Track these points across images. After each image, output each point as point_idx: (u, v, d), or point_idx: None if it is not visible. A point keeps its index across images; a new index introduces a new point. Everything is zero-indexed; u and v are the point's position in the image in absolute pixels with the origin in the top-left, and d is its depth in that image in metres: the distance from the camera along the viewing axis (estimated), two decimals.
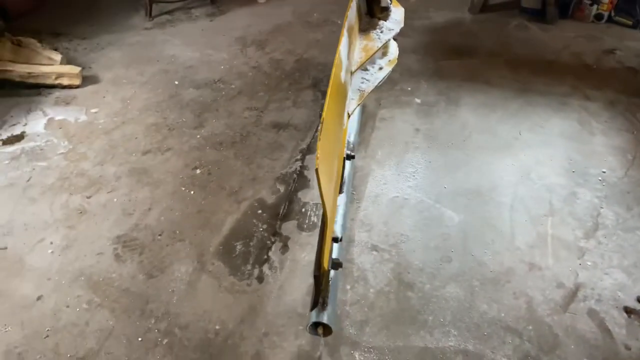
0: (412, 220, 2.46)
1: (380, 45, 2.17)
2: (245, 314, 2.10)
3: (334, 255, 1.79)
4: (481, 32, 3.88)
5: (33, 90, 3.33)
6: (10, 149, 2.89)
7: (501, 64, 3.54)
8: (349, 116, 2.09)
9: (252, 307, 2.12)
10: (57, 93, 3.32)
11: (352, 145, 2.30)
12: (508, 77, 3.42)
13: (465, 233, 2.40)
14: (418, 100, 3.23)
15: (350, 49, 1.97)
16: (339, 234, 1.69)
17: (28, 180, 2.69)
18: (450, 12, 4.12)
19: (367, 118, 3.09)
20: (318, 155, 1.25)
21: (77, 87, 3.36)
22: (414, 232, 2.40)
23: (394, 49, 2.43)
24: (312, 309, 1.60)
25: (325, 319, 1.63)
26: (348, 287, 2.19)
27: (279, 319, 2.04)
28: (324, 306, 1.64)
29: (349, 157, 2.03)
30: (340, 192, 2.05)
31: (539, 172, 2.72)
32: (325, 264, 1.47)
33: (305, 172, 2.72)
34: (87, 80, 3.43)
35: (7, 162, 2.81)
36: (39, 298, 2.15)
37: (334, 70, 1.59)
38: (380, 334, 2.02)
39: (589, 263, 2.26)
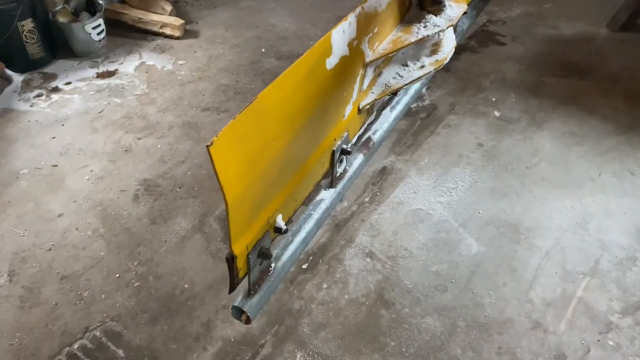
0: (424, 238, 2.24)
1: (413, 40, 1.96)
2: (216, 282, 2.12)
3: (286, 249, 1.71)
4: (611, 52, 3.32)
5: (142, 34, 3.64)
6: (99, 82, 3.21)
7: (618, 93, 3.01)
8: (359, 110, 1.94)
9: (225, 277, 2.12)
10: (159, 41, 3.59)
11: (373, 143, 2.15)
12: (619, 109, 2.90)
13: (477, 267, 2.12)
14: (497, 114, 2.89)
15: (371, 38, 1.81)
16: (282, 225, 1.60)
17: (100, 112, 2.98)
18: (584, 24, 3.59)
19: (431, 121, 2.85)
20: (221, 134, 1.18)
21: (177, 38, 3.59)
22: (420, 250, 2.19)
23: (447, 49, 2.19)
24: (230, 292, 1.55)
25: (246, 307, 1.57)
26: (325, 285, 2.08)
27: None
28: (250, 294, 1.58)
29: (344, 151, 1.90)
30: (332, 186, 1.93)
31: (601, 223, 2.28)
32: (234, 248, 1.40)
33: None
34: (188, 34, 3.65)
35: (92, 93, 3.13)
36: (59, 215, 2.39)
37: (310, 53, 1.48)
38: (333, 342, 1.90)
39: (610, 343, 1.87)
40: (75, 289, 2.09)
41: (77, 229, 2.32)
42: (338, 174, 1.94)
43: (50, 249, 2.24)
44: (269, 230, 1.56)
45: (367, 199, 2.43)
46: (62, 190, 2.51)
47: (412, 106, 2.95)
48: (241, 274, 1.50)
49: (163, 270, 2.15)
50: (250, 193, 1.38)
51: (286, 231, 1.61)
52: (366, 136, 2.16)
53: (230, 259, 1.45)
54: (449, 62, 2.24)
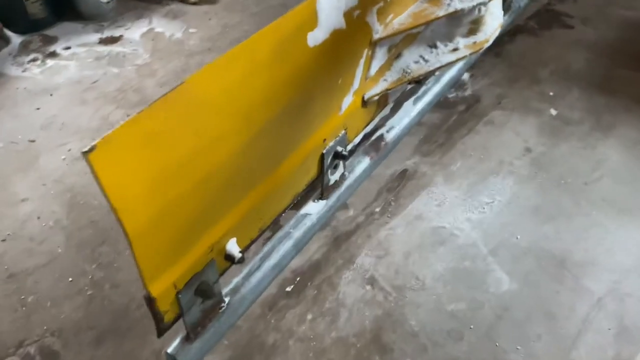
0: (444, 266, 1.79)
1: (442, 14, 1.49)
2: None
3: (248, 279, 1.32)
4: None
5: None
6: (100, 48, 2.89)
7: None
8: (364, 102, 1.50)
9: None
10: (173, 6, 3.23)
11: (386, 144, 1.70)
12: None
13: (505, 310, 1.66)
14: (554, 112, 2.36)
15: (382, 9, 1.36)
16: (235, 253, 1.21)
17: (94, 83, 2.66)
18: None
19: (471, 116, 2.36)
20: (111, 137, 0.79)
21: (193, 3, 3.22)
22: (435, 281, 1.75)
23: (490, 29, 1.69)
24: (158, 337, 1.18)
25: (181, 356, 1.20)
26: (309, 316, 1.68)
27: None
28: (189, 338, 1.20)
29: (338, 155, 1.47)
30: (322, 197, 1.51)
31: None
32: (150, 288, 1.03)
33: None
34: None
35: (90, 60, 2.81)
36: (23, 200, 2.09)
37: (280, 23, 1.06)
38: None
39: None
40: (20, 291, 1.78)
41: (39, 218, 2.01)
42: (331, 183, 1.52)
43: (4, 240, 1.94)
44: (214, 260, 1.17)
45: (378, 209, 1.99)
46: (34, 171, 2.21)
47: (450, 96, 2.46)
48: (169, 317, 1.12)
49: (123, 277, 1.81)
50: (173, 215, 0.98)
51: (241, 260, 1.21)
52: (377, 134, 1.72)
53: (148, 301, 1.07)
54: (500, 44, 1.75)
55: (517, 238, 1.87)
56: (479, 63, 2.62)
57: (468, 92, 2.49)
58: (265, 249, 1.40)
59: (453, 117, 2.36)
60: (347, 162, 1.60)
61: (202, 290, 1.15)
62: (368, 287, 1.74)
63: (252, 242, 1.31)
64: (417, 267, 1.79)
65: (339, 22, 1.21)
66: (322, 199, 1.52)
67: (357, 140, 1.60)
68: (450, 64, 1.61)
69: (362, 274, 1.78)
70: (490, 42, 1.66)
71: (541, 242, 1.85)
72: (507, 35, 2.81)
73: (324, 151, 1.40)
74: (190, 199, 1.00)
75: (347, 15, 1.22)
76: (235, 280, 1.31)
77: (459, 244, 1.86)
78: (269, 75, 1.07)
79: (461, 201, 2.00)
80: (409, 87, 1.80)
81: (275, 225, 1.40)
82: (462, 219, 1.94)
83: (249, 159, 1.11)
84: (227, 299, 1.27)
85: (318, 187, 1.51)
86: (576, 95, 2.44)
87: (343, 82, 1.34)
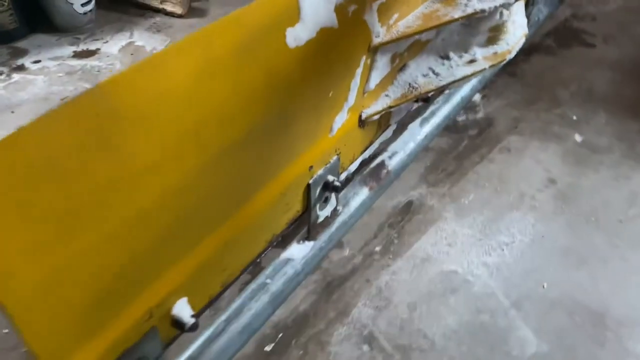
0: (456, 320, 1.48)
1: (458, 16, 1.22)
2: None
3: (210, 346, 1.01)
4: None
5: (140, 11, 3.03)
6: (73, 62, 2.62)
7: None
8: (361, 122, 1.22)
9: None
10: (158, 19, 2.98)
11: (388, 172, 1.41)
12: None
13: None
14: (579, 138, 2.08)
15: (384, 6, 1.09)
16: (186, 318, 0.91)
17: (62, 99, 2.38)
18: None
19: (484, 141, 2.08)
20: None
21: (179, 16, 2.97)
22: (447, 340, 1.44)
23: (514, 39, 1.42)
24: None
25: None
26: None
27: None
28: None
29: (329, 186, 1.18)
30: (309, 238, 1.21)
31: None
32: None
33: None
34: (194, 12, 3.02)
35: (61, 75, 2.54)
36: None
37: (248, 11, 0.78)
38: None
39: None
40: None
41: None
42: (320, 220, 1.22)
43: None
44: (155, 328, 0.86)
45: (378, 248, 1.69)
46: None
47: (460, 118, 2.18)
48: None
49: None
50: (80, 274, 0.68)
51: (194, 327, 0.90)
52: (377, 161, 1.44)
53: None
54: (514, 63, 1.48)
55: (543, 287, 1.56)
56: (491, 83, 2.35)
57: (480, 115, 2.21)
58: (233, 306, 1.10)
59: (463, 143, 2.08)
60: (341, 195, 1.31)
61: None
62: (365, 347, 1.43)
63: (213, 301, 1.00)
64: (425, 322, 1.48)
65: (329, 18, 0.93)
66: (308, 240, 1.22)
67: (352, 167, 1.31)
68: (466, 79, 1.33)
69: (359, 330, 1.47)
70: (513, 53, 1.39)
71: (573, 292, 1.55)
72: (522, 53, 2.54)
73: (311, 181, 1.11)
74: (108, 250, 0.70)
75: (340, 10, 0.94)
76: (189, 352, 1.00)
77: (475, 292, 1.55)
78: (231, 79, 0.78)
79: (476, 241, 1.70)
80: (415, 106, 1.52)
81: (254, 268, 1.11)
82: (478, 262, 1.64)
83: (200, 195, 0.81)
84: None
85: (304, 225, 1.22)
86: (603, 120, 2.16)
87: (335, 95, 1.06)
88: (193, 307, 0.91)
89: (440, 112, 1.61)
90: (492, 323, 1.47)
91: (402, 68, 1.33)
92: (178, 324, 0.90)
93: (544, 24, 2.61)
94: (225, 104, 0.79)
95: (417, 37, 1.25)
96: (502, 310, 1.50)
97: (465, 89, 1.71)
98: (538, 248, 1.67)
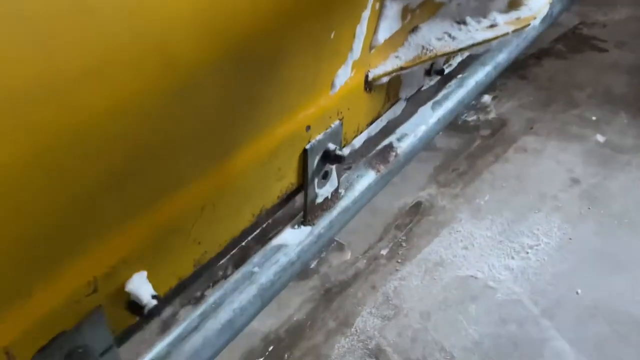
0: (479, 332, 1.26)
1: None
2: None
3: (183, 343, 0.79)
4: None
5: None
6: None
7: None
8: (367, 84, 1.03)
9: None
10: None
11: (396, 155, 1.22)
12: None
13: None
14: (601, 138, 1.90)
15: None
16: (144, 297, 0.69)
17: None
18: None
19: (497, 142, 1.90)
20: None
21: None
22: (470, 354, 1.21)
23: (537, 4, 1.26)
24: None
25: None
26: None
27: None
28: None
29: (330, 156, 0.99)
30: (305, 222, 1.01)
31: None
32: None
33: None
34: None
35: None
36: None
37: None
38: None
39: None
40: None
41: None
42: (318, 200, 1.02)
43: None
44: (101, 310, 0.65)
45: (384, 252, 1.48)
46: None
47: (470, 118, 2.01)
48: None
49: None
50: None
51: (155, 311, 0.69)
52: (385, 142, 1.25)
53: None
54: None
55: (577, 293, 1.35)
56: (501, 85, 2.20)
57: (492, 115, 2.04)
58: (211, 297, 0.89)
59: (475, 143, 1.89)
60: (343, 177, 1.11)
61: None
62: None
63: (184, 285, 0.79)
64: (441, 333, 1.26)
65: None
66: (304, 225, 1.02)
67: (357, 143, 1.12)
68: (487, 43, 1.16)
69: (364, 342, 1.24)
70: (538, 20, 1.24)
71: (611, 298, 1.33)
72: (532, 57, 2.40)
73: (308, 147, 0.92)
74: (28, 182, 0.50)
75: None
76: (152, 353, 0.79)
77: (499, 299, 1.34)
78: None
79: (496, 243, 1.49)
80: (426, 85, 1.34)
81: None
82: (500, 266, 1.43)
83: (164, 129, 0.62)
84: None
85: (300, 208, 1.02)
86: (625, 121, 1.99)
87: (338, 39, 0.88)
88: (156, 289, 0.70)
89: (454, 95, 1.44)
90: (521, 334, 1.25)
91: (413, 30, 1.16)
92: (133, 306, 0.69)
93: (551, 31, 2.50)
94: (205, 9, 0.60)
95: None
96: (532, 319, 1.29)
97: (480, 74, 1.54)
98: (566, 251, 1.47)
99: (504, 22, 1.20)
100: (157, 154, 0.64)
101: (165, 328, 1.27)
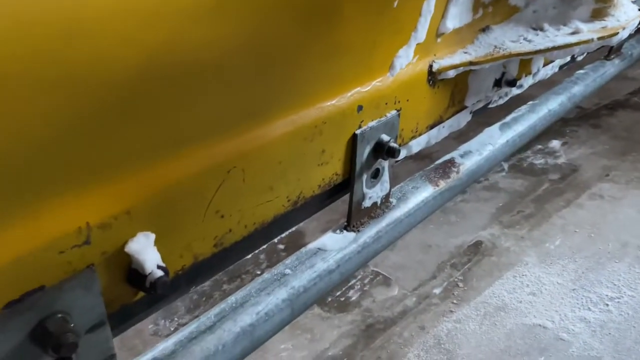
0: None
1: None
2: None
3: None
4: None
5: None
6: None
7: None
8: (431, 77, 0.91)
9: None
10: None
11: (457, 173, 1.08)
12: None
13: None
14: None
15: None
16: (148, 266, 0.56)
17: None
18: None
19: (568, 187, 1.71)
20: None
21: None
22: None
23: (625, 16, 1.13)
24: None
25: None
26: None
27: None
28: None
29: (382, 148, 0.85)
30: (349, 227, 0.87)
31: None
32: None
33: None
34: None
35: None
36: None
37: None
38: None
39: None
40: None
41: None
42: (365, 204, 0.89)
43: None
44: (92, 270, 0.53)
45: (437, 291, 1.30)
46: None
47: (537, 162, 1.84)
48: None
49: None
50: None
51: (162, 286, 0.56)
52: (446, 157, 1.11)
53: None
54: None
55: None
56: (571, 132, 2.03)
57: (561, 160, 1.86)
58: (232, 297, 0.75)
59: (543, 186, 1.71)
60: (395, 188, 0.98)
61: (53, 339, 0.50)
62: None
63: (200, 268, 0.66)
64: None
65: None
66: (347, 230, 0.88)
67: (413, 146, 0.99)
68: (568, 48, 1.03)
69: None
70: (627, 32, 1.11)
71: None
72: (604, 108, 2.23)
73: (358, 132, 0.79)
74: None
75: None
76: (155, 351, 0.65)
77: (572, 355, 1.12)
78: None
79: (568, 291, 1.29)
80: (496, 97, 1.20)
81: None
82: (574, 317, 1.21)
83: (192, 60, 0.53)
84: None
85: (342, 213, 0.88)
86: None
87: (401, 10, 0.77)
88: (167, 263, 0.58)
89: (525, 120, 1.30)
90: None
91: (484, 29, 1.05)
92: (134, 276, 0.56)
93: (626, 84, 2.34)
94: None
95: None
96: None
97: (553, 102, 1.40)
98: None
99: (589, 29, 1.08)
100: (185, 91, 0.54)
101: None
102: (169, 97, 0.53)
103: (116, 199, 0.53)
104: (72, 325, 0.51)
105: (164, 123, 0.54)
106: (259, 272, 1.39)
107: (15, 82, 0.42)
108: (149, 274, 0.56)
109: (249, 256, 1.40)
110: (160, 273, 0.56)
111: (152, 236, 0.57)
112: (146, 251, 0.56)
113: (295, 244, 1.45)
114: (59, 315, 0.51)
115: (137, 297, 0.60)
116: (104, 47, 0.46)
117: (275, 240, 1.48)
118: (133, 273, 0.57)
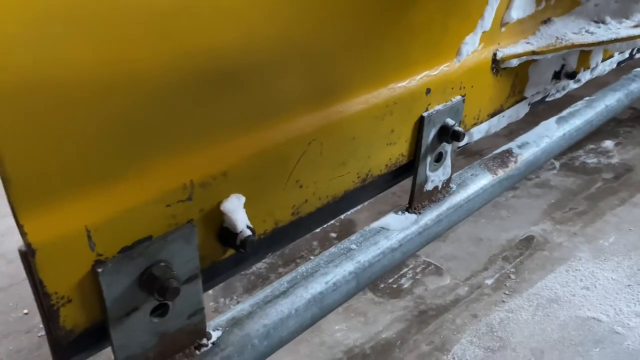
0: None
1: None
2: None
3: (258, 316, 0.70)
4: None
5: None
6: None
7: None
8: (495, 65, 0.94)
9: None
10: None
11: (515, 162, 1.10)
12: None
13: None
14: None
15: None
16: (239, 225, 0.60)
17: None
18: None
19: (622, 186, 1.69)
20: None
21: None
22: None
23: None
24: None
25: None
26: None
27: None
28: None
29: (447, 132, 0.88)
30: (410, 208, 0.90)
31: None
32: (20, 218, 0.46)
33: None
34: None
35: None
36: None
37: None
38: None
39: None
40: None
41: None
42: (428, 187, 0.92)
43: None
44: (192, 225, 0.59)
45: (489, 281, 1.32)
46: None
47: (590, 160, 1.83)
48: (72, 319, 0.53)
49: None
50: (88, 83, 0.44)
51: (251, 244, 0.61)
52: (504, 147, 1.13)
53: (25, 264, 0.50)
54: None
55: None
56: (625, 132, 2.00)
57: (615, 160, 1.84)
58: (302, 267, 0.79)
59: (596, 185, 1.70)
60: (455, 175, 1.01)
61: (159, 284, 0.55)
62: None
63: (280, 231, 0.71)
64: None
65: None
66: (410, 212, 0.91)
67: (474, 133, 1.01)
68: (632, 40, 1.04)
69: None
70: None
71: None
72: None
73: (425, 114, 0.83)
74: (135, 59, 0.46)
75: None
76: (233, 312, 0.70)
77: (628, 348, 1.12)
78: None
79: (623, 287, 1.28)
80: (554, 91, 1.22)
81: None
82: (629, 312, 1.21)
83: (283, 51, 0.58)
84: (214, 334, 0.66)
85: (393, 204, 0.92)
86: None
87: (468, 1, 0.81)
88: (253, 226, 0.63)
89: (581, 115, 1.30)
90: None
91: (545, 22, 1.06)
92: (226, 235, 0.62)
93: None
94: None
95: None
96: None
97: (611, 98, 1.40)
98: None
99: None
100: (278, 69, 0.60)
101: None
102: (264, 74, 0.59)
103: (215, 161, 0.58)
104: (172, 272, 0.56)
105: (257, 96, 0.59)
106: (312, 258, 1.43)
107: (146, 56, 0.47)
108: (240, 232, 0.61)
109: (303, 240, 1.45)
110: (249, 232, 0.61)
111: (243, 198, 0.62)
112: (237, 211, 0.61)
113: (348, 232, 1.48)
114: (163, 264, 0.56)
115: (225, 256, 0.65)
116: (215, 28, 0.51)
117: (327, 227, 1.52)
118: (225, 231, 0.62)
